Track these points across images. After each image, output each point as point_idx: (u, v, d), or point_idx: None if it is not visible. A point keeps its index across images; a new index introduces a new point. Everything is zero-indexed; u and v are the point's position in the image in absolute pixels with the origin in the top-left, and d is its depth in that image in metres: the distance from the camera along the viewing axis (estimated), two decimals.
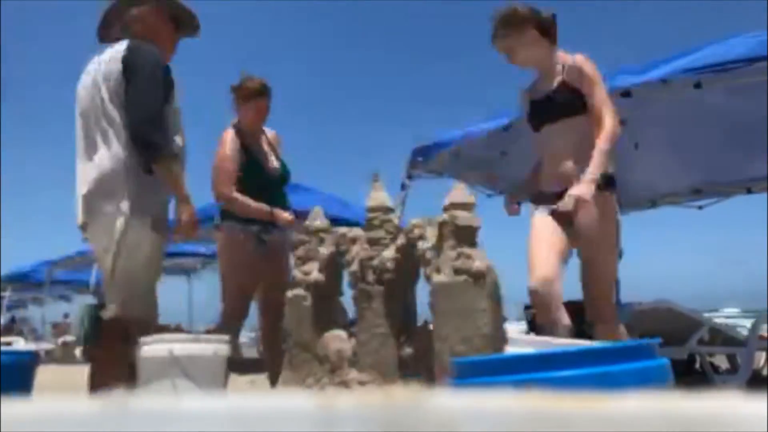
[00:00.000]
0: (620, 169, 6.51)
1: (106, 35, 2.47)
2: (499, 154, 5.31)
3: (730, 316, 6.50)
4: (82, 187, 2.33)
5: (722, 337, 4.84)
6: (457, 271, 3.24)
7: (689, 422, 0.26)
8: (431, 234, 3.23)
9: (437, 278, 3.32)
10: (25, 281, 14.40)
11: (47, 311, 15.77)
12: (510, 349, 3.14)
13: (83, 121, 2.36)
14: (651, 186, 6.69)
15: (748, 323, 5.14)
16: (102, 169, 2.29)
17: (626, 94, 4.01)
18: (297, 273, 3.31)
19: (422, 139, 5.26)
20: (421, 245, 3.28)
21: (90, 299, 11.14)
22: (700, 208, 6.80)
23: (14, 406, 0.27)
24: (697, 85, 3.84)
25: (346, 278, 3.43)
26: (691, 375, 4.86)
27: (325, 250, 3.39)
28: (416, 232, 3.44)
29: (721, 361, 5.72)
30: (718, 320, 5.23)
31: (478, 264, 3.47)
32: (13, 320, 15.40)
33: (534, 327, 5.33)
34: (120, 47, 2.32)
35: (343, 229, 3.36)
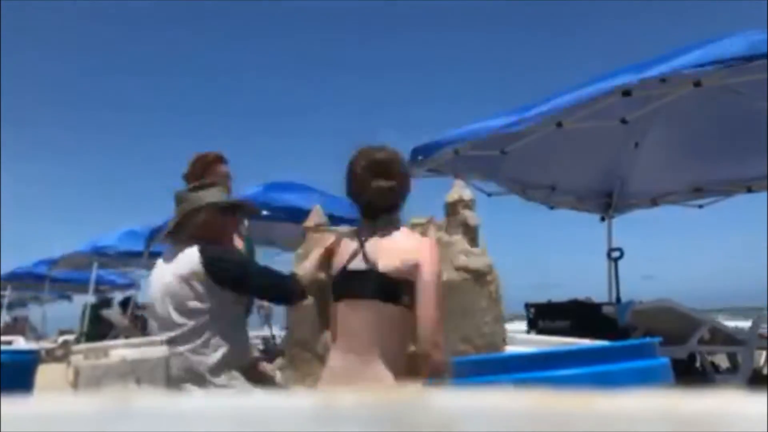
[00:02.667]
0: (621, 168, 6.56)
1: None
2: (499, 153, 5.31)
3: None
4: None
5: (722, 336, 4.84)
6: (457, 270, 3.24)
7: (689, 421, 0.26)
8: (432, 233, 3.23)
9: None
10: (25, 280, 14.40)
11: (47, 310, 15.79)
12: (510, 348, 3.14)
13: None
14: (651, 185, 6.69)
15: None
16: None
17: (626, 93, 4.01)
18: (297, 272, 3.31)
19: (422, 138, 5.26)
20: None
21: (90, 298, 11.15)
22: (700, 207, 6.80)
23: (14, 406, 0.27)
24: (697, 84, 3.84)
25: None
26: (691, 374, 4.86)
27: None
28: (417, 230, 3.43)
29: (722, 360, 5.72)
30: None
31: (478, 263, 3.47)
32: (15, 320, 15.42)
33: (534, 326, 5.34)
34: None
35: (342, 228, 3.36)
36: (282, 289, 2.46)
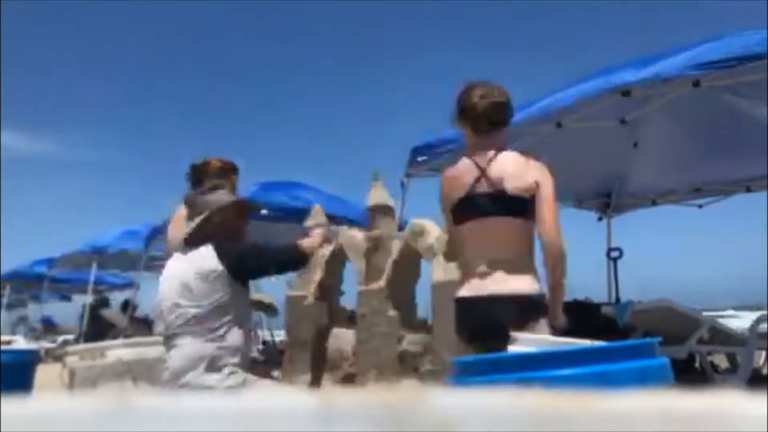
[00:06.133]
0: (620, 168, 6.56)
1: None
2: None
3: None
4: None
5: (722, 336, 4.84)
6: (458, 270, 3.24)
7: (689, 421, 0.26)
8: (431, 232, 3.23)
9: (437, 277, 3.33)
10: (25, 280, 14.39)
11: (47, 310, 15.78)
12: (509, 348, 3.14)
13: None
14: (651, 185, 6.69)
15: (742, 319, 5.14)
16: None
17: (626, 93, 4.01)
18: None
19: (422, 137, 5.25)
20: (422, 244, 3.28)
21: (90, 298, 11.13)
22: (700, 206, 6.80)
23: (14, 406, 0.27)
24: (696, 84, 3.84)
25: (346, 277, 3.42)
26: (690, 374, 4.86)
27: (325, 250, 3.39)
28: (416, 230, 3.44)
29: (721, 360, 5.72)
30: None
31: None
32: (22, 319, 15.42)
33: None
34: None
35: (343, 228, 3.37)
36: (293, 258, 2.66)
